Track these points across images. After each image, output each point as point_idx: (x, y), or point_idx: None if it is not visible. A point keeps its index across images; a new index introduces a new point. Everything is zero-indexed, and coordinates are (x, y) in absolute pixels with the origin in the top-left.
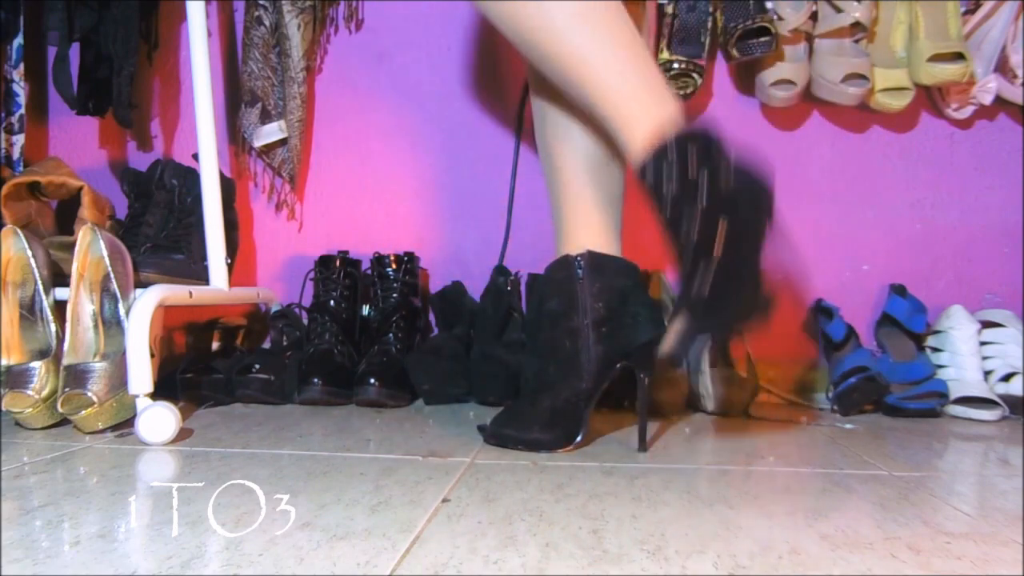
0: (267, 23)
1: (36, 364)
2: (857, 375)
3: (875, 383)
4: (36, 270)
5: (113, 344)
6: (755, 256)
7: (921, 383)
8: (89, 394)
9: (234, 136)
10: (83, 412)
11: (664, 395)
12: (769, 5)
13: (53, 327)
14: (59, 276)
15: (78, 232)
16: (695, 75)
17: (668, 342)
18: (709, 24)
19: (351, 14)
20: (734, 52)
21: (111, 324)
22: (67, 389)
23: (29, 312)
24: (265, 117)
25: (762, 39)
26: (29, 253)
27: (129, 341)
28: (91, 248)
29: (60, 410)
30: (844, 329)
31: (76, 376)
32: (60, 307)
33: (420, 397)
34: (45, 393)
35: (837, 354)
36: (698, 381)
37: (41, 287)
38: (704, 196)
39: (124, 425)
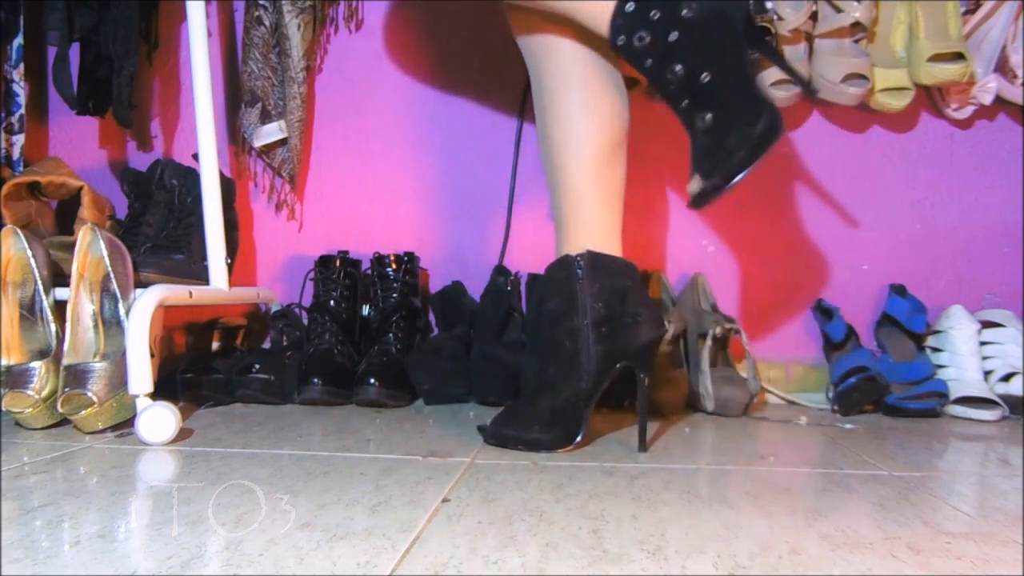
0: (267, 23)
1: (36, 364)
2: (857, 375)
3: (875, 383)
4: (36, 270)
5: (113, 344)
6: (745, 66)
7: (921, 383)
8: (89, 394)
9: (234, 136)
10: (83, 412)
11: (664, 395)
12: (769, 5)
13: (53, 327)
14: (59, 276)
15: (78, 232)
16: None
17: (694, 187)
18: None
19: (351, 14)
20: None
21: (111, 324)
22: (67, 389)
23: (29, 312)
24: (265, 117)
25: (764, 38)
26: (29, 253)
27: (129, 341)
28: (91, 248)
29: (60, 410)
30: (844, 329)
31: (76, 376)
32: (60, 307)
33: (420, 397)
34: (45, 393)
35: (837, 354)
36: (698, 381)
37: (41, 287)
38: (675, 31)
39: (124, 425)
